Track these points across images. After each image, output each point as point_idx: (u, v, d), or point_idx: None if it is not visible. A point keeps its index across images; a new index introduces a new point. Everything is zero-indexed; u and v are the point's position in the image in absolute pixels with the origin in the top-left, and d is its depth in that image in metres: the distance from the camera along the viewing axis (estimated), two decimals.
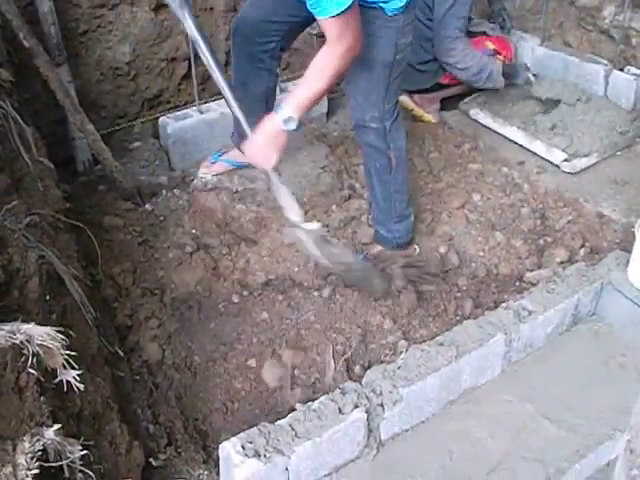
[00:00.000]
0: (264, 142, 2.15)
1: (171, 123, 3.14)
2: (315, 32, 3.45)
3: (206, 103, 3.29)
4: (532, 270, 2.62)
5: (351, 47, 2.05)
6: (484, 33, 3.61)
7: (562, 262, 2.61)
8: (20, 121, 1.91)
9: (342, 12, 1.93)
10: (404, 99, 3.59)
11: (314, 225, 2.23)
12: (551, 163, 3.17)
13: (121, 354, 1.97)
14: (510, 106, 3.57)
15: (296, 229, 2.22)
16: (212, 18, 3.42)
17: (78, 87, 3.03)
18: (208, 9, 3.39)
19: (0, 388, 1.17)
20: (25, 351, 1.23)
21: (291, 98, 2.13)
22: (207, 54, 2.18)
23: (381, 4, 2.20)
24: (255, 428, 1.69)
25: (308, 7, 1.97)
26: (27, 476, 1.11)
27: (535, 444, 1.89)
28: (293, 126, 2.12)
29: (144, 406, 1.89)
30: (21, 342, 1.23)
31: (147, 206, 2.84)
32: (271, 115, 2.14)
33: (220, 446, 1.67)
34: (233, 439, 1.66)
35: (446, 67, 3.44)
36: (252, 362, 2.20)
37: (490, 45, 3.58)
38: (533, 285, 2.43)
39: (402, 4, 2.21)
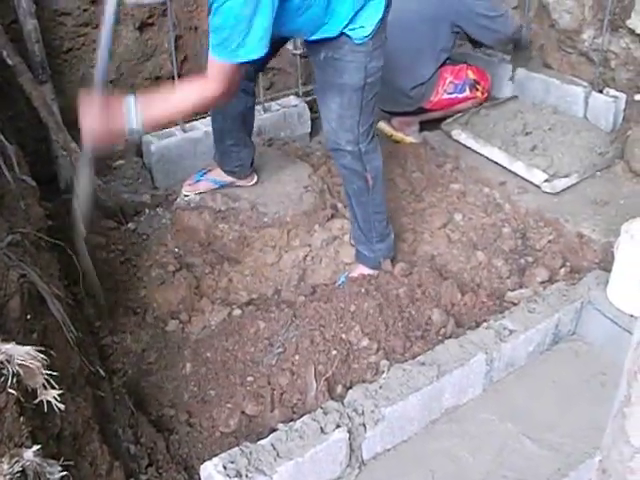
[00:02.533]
0: (102, 126, 2.02)
1: (154, 141, 3.15)
2: (299, 52, 3.49)
3: (190, 122, 3.31)
4: (513, 289, 2.64)
5: (220, 94, 2.08)
6: (465, 62, 3.69)
7: (543, 282, 2.63)
8: (2, 139, 1.91)
9: (226, 61, 2.01)
10: (382, 126, 3.64)
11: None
12: (532, 183, 3.19)
13: (102, 374, 1.96)
14: (491, 127, 3.61)
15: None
16: (196, 37, 3.44)
17: (61, 105, 3.02)
18: (192, 28, 3.41)
19: None
20: (5, 371, 1.22)
21: (147, 109, 2.05)
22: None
23: (347, 32, 2.22)
24: (237, 448, 1.69)
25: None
26: None
27: (517, 463, 1.90)
28: (135, 137, 2.16)
29: (125, 426, 1.87)
30: (1, 362, 1.22)
31: (130, 225, 2.83)
32: (123, 112, 2.02)
33: (202, 466, 1.67)
34: (215, 459, 1.66)
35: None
36: (235, 381, 2.20)
37: (471, 75, 3.66)
38: (514, 304, 2.44)
39: (369, 32, 2.22)
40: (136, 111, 2.02)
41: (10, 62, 2.58)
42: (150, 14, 3.23)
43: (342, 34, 2.22)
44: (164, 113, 2.14)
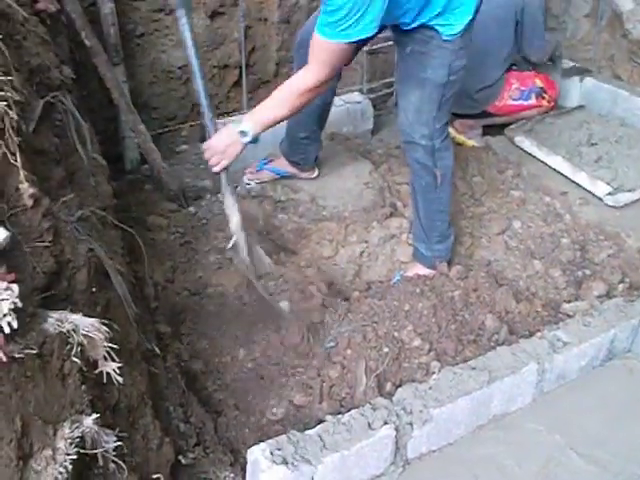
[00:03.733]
0: (217, 147, 2.25)
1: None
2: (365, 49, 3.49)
3: None
4: (569, 301, 2.59)
5: (325, 78, 2.14)
6: (534, 69, 3.64)
7: (600, 296, 2.58)
8: (78, 117, 1.95)
9: (335, 41, 2.03)
10: None
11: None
12: (594, 195, 3.15)
13: (157, 351, 2.00)
14: (556, 135, 3.56)
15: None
16: (265, 29, 3.47)
17: (131, 87, 3.09)
18: (262, 19, 3.44)
19: (46, 374, 1.20)
20: (71, 340, 1.26)
21: (253, 113, 2.26)
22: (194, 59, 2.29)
23: (437, 27, 2.22)
24: (284, 436, 1.71)
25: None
26: (65, 460, 1.13)
27: (562, 477, 1.88)
28: (249, 139, 2.23)
29: (176, 404, 1.91)
30: (68, 331, 1.26)
31: (191, 208, 2.88)
32: (230, 125, 2.27)
33: (249, 450, 1.69)
34: (262, 444, 1.68)
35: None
36: (286, 371, 2.21)
37: (539, 82, 3.62)
38: (569, 316, 2.41)
39: (458, 30, 2.24)
40: (243, 119, 2.24)
41: (88, 43, 2.64)
42: (221, 3, 3.27)
43: (432, 28, 2.23)
44: (269, 108, 2.23)
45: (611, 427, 2.03)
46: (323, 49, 2.08)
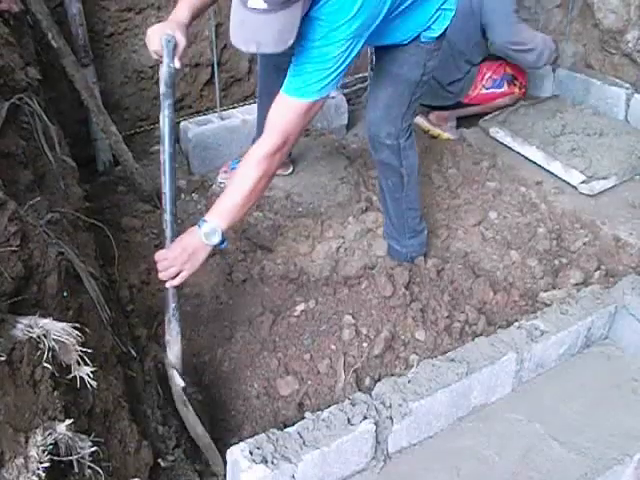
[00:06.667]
0: (179, 256, 1.93)
1: (192, 128, 3.17)
2: None
3: (227, 110, 3.32)
4: (546, 290, 2.61)
5: (282, 145, 1.97)
6: (504, 58, 3.66)
7: (577, 284, 2.61)
8: (45, 119, 1.93)
9: (305, 101, 1.93)
10: (420, 121, 3.62)
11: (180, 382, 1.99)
12: (569, 184, 3.16)
13: (134, 354, 1.98)
14: (530, 125, 3.57)
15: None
16: None
17: (102, 88, 3.06)
18: None
19: (16, 380, 1.18)
20: (41, 345, 1.24)
21: (214, 209, 1.96)
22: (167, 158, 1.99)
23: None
24: (263, 434, 1.69)
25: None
26: (38, 469, 1.12)
27: (543, 465, 1.88)
28: (216, 240, 1.93)
29: (154, 407, 1.89)
30: (38, 336, 1.24)
31: None
32: (193, 228, 1.95)
33: (228, 450, 1.68)
34: (241, 444, 1.66)
35: (512, 52, 3.44)
36: (265, 368, 2.21)
37: (509, 70, 3.65)
38: (547, 305, 2.42)
39: (436, 35, 2.24)
40: (211, 227, 1.92)
41: (55, 44, 2.61)
42: None
43: None
44: (237, 205, 1.96)
45: (590, 414, 2.04)
46: (290, 107, 1.96)
